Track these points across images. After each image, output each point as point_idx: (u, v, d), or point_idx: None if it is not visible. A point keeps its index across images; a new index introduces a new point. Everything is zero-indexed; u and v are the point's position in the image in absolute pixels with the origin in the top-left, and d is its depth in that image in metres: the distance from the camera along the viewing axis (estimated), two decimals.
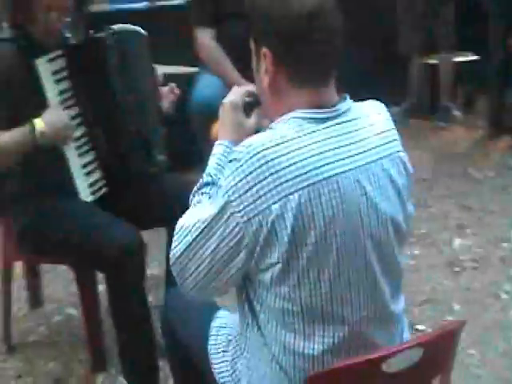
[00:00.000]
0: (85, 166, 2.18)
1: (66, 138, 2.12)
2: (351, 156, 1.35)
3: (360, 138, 1.38)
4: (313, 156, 1.31)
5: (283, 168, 1.30)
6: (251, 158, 1.31)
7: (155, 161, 2.30)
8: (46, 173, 2.15)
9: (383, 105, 1.48)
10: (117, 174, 2.23)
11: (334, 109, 1.37)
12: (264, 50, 1.38)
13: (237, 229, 1.32)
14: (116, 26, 2.19)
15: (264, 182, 1.30)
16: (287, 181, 1.30)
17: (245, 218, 1.31)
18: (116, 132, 2.21)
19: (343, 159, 1.34)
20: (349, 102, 1.41)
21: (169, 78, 2.46)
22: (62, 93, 2.12)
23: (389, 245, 1.40)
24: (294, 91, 1.38)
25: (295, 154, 1.31)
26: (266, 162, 1.30)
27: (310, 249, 1.32)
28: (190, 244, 1.38)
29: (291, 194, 1.30)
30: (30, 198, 2.18)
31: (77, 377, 2.33)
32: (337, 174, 1.32)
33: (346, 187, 1.33)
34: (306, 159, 1.31)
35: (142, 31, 2.25)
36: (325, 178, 1.31)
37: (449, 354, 1.46)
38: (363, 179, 1.35)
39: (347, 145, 1.35)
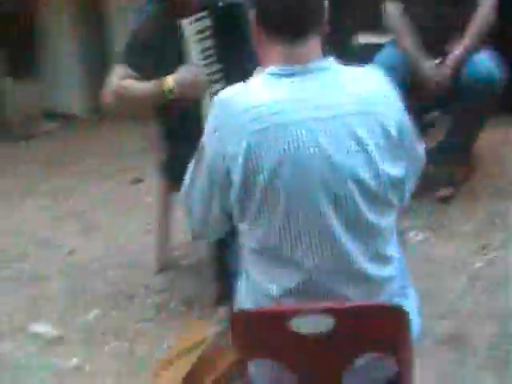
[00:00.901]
0: None
1: (196, 94, 2.34)
2: (309, 108, 1.44)
3: (325, 94, 1.47)
4: (268, 104, 1.43)
5: (239, 113, 1.44)
6: (216, 105, 1.50)
7: None
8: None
9: (381, 72, 1.58)
10: None
11: (304, 66, 1.47)
12: (252, 11, 1.53)
13: (208, 170, 1.51)
14: None
15: (224, 126, 1.47)
16: (242, 125, 1.43)
17: (211, 160, 1.49)
18: None
19: (299, 110, 1.44)
20: (328, 63, 1.50)
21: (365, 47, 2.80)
22: (203, 51, 2.35)
23: (349, 199, 1.46)
24: (271, 48, 1.51)
25: (251, 100, 1.44)
26: (226, 108, 1.47)
27: (260, 191, 1.44)
28: (186, 184, 1.61)
29: (243, 137, 1.43)
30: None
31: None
32: (289, 122, 1.43)
33: (297, 135, 1.43)
34: (260, 106, 1.43)
35: None
36: (276, 125, 1.42)
37: (379, 335, 1.43)
38: (318, 131, 1.43)
39: (308, 98, 1.45)
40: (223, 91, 1.54)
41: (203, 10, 2.39)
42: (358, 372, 1.50)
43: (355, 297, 1.52)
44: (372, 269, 1.53)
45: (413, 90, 3.03)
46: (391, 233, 1.59)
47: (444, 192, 3.23)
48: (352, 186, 1.46)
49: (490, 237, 2.99)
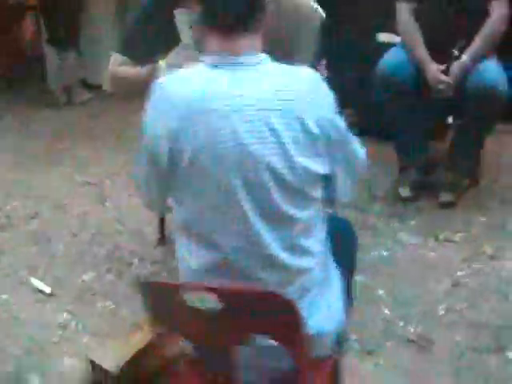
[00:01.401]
0: None
1: None
2: (232, 99, 1.53)
3: (250, 87, 1.55)
4: (197, 91, 1.54)
5: (171, 98, 1.57)
6: (156, 88, 1.62)
7: None
8: None
9: (312, 71, 1.64)
10: None
11: (236, 58, 1.57)
12: None
13: (145, 147, 1.64)
14: None
15: (158, 108, 1.59)
16: (172, 109, 1.55)
17: (147, 138, 1.62)
18: None
19: (223, 100, 1.53)
20: (260, 59, 1.59)
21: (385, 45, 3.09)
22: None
23: (263, 188, 1.55)
24: (209, 36, 1.60)
25: (183, 87, 1.57)
26: (162, 92, 1.59)
27: (183, 173, 1.57)
28: (134, 159, 1.74)
29: (172, 120, 1.55)
30: None
31: None
32: (212, 110, 1.53)
33: (216, 123, 1.53)
34: (189, 93, 1.55)
35: None
36: (200, 111, 1.53)
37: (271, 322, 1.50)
38: (236, 120, 1.53)
39: (233, 90, 1.54)
40: (164, 78, 1.66)
41: None
42: (256, 360, 1.62)
43: (271, 282, 1.61)
44: (287, 258, 1.62)
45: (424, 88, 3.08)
46: (314, 226, 1.67)
47: (445, 198, 3.26)
48: (266, 175, 1.55)
49: (483, 247, 3.01)
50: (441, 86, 3.03)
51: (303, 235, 1.64)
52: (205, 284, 1.53)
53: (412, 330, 2.61)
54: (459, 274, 2.88)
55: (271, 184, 1.56)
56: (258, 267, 1.63)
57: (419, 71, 3.07)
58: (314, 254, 1.68)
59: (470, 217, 3.22)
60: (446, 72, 3.03)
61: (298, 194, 1.60)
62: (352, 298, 2.06)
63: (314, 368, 1.67)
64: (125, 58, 2.51)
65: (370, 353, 2.52)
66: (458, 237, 3.10)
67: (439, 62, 3.05)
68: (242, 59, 1.58)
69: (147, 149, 1.64)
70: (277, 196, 1.57)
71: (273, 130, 1.54)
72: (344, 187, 1.75)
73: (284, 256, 1.62)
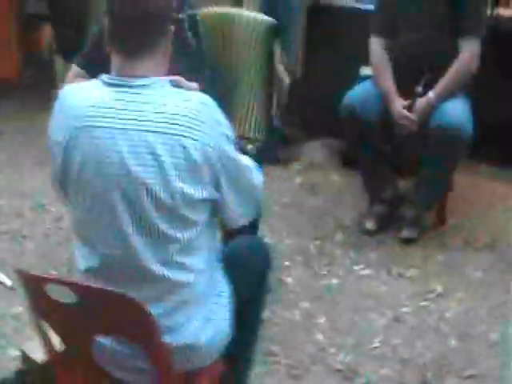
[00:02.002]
0: None
1: None
2: (117, 118, 1.61)
3: (136, 108, 1.61)
4: (84, 106, 1.63)
5: (69, 109, 1.67)
6: (58, 98, 1.73)
7: None
8: None
9: (208, 99, 1.68)
10: None
11: (130, 81, 1.63)
12: None
13: (50, 150, 1.74)
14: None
15: (58, 117, 1.71)
16: (68, 120, 1.65)
17: (50, 144, 1.74)
18: None
19: (111, 118, 1.61)
20: (153, 82, 1.64)
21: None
22: None
23: (141, 206, 1.63)
24: (112, 56, 1.69)
25: (79, 100, 1.66)
26: (63, 102, 1.70)
27: (72, 180, 1.67)
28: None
29: (67, 131, 1.65)
30: None
31: None
32: (99, 126, 1.61)
33: (102, 140, 1.61)
34: (83, 107, 1.64)
35: None
36: (89, 126, 1.62)
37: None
38: (121, 140, 1.60)
39: (121, 109, 1.61)
40: (67, 87, 1.76)
41: None
42: (117, 357, 1.67)
43: (144, 292, 1.67)
44: (162, 272, 1.68)
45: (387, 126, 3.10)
46: (196, 245, 1.72)
47: (407, 233, 3.25)
48: (144, 195, 1.62)
49: (436, 286, 2.99)
50: (403, 122, 3.03)
51: (182, 253, 1.70)
52: (63, 278, 1.59)
53: (341, 358, 2.61)
54: (403, 309, 2.86)
55: (149, 204, 1.63)
56: (132, 276, 1.70)
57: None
58: (194, 270, 1.73)
59: (429, 254, 3.19)
60: (410, 108, 3.03)
61: (176, 216, 1.66)
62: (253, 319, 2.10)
63: (185, 377, 1.71)
64: (82, 71, 2.56)
65: (294, 376, 2.53)
66: (411, 272, 3.08)
67: (406, 98, 3.06)
68: (134, 82, 1.64)
69: (51, 152, 1.73)
70: (154, 215, 1.64)
71: (154, 154, 1.60)
72: (234, 214, 1.80)
73: (159, 270, 1.69)
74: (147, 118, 1.61)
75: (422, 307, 2.87)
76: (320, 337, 2.72)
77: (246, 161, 1.79)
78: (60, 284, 1.56)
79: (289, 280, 3.07)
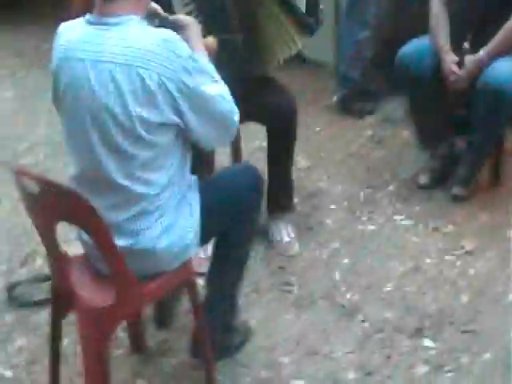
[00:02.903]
0: None
1: None
2: (90, 51, 1.89)
3: (105, 42, 1.88)
4: (67, 40, 1.94)
5: (58, 42, 2.01)
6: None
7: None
8: None
9: (172, 37, 1.91)
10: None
11: (103, 18, 1.90)
12: None
13: None
14: None
15: (53, 49, 2.02)
16: (56, 51, 1.98)
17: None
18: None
19: (83, 51, 1.90)
20: (126, 20, 1.89)
21: None
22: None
23: (106, 127, 1.90)
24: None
25: (65, 35, 1.98)
26: (57, 36, 2.03)
27: (60, 102, 1.99)
28: None
29: (54, 61, 1.98)
30: None
31: None
32: (74, 58, 1.92)
33: (77, 70, 1.91)
34: (66, 40, 1.96)
35: None
36: (67, 57, 1.93)
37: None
38: (90, 70, 1.88)
39: (93, 43, 1.90)
40: (63, 24, 2.04)
41: None
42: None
43: (110, 199, 1.98)
44: (124, 184, 1.95)
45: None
46: (159, 163, 1.96)
47: (457, 190, 3.24)
48: (107, 116, 1.89)
49: (468, 244, 2.99)
50: (452, 78, 3.02)
51: (143, 169, 1.96)
52: (28, 171, 1.93)
53: (348, 297, 2.74)
54: (426, 261, 2.91)
55: (111, 125, 1.90)
56: (100, 186, 1.98)
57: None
58: (155, 185, 1.98)
59: (472, 213, 3.17)
60: (460, 64, 3.01)
61: (135, 137, 1.91)
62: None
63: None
64: None
65: (299, 306, 2.70)
66: (448, 228, 3.09)
67: (458, 54, 3.04)
68: (109, 20, 1.90)
69: None
70: (116, 135, 1.91)
71: (115, 82, 1.86)
72: (204, 138, 2.02)
73: (121, 181, 1.95)
74: (112, 51, 1.87)
75: (446, 261, 2.90)
76: (337, 276, 2.86)
77: (213, 90, 1.98)
78: (29, 177, 1.87)
79: (328, 221, 3.20)
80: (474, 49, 3.02)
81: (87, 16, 1.95)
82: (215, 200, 2.18)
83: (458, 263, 2.89)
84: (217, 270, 2.33)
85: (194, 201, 2.11)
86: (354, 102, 4.01)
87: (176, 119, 1.93)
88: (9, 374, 2.46)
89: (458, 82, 3.02)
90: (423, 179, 3.36)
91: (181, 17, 2.20)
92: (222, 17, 2.71)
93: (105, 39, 1.89)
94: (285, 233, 3.07)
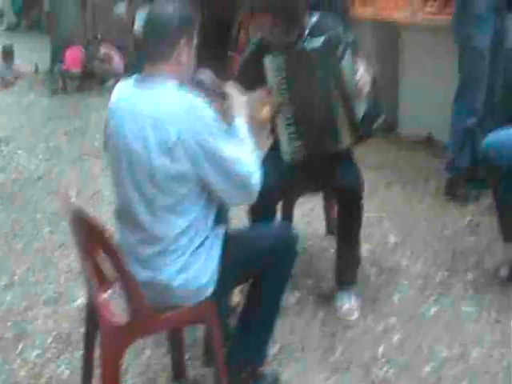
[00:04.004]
0: (289, 134, 3.02)
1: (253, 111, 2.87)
2: (129, 105, 2.24)
3: (143, 100, 2.22)
4: (116, 95, 2.34)
5: (111, 99, 2.37)
6: None
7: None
8: None
9: (197, 103, 2.22)
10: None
11: (145, 78, 2.25)
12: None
13: None
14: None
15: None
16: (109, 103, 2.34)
17: None
18: (311, 116, 3.00)
19: (125, 108, 2.26)
20: (162, 83, 2.22)
21: None
22: (277, 81, 2.95)
23: (135, 171, 2.23)
24: None
25: (115, 93, 2.35)
26: (112, 94, 2.40)
27: (107, 150, 2.36)
28: None
29: (108, 111, 2.34)
30: None
31: None
32: (117, 110, 2.28)
33: (118, 121, 2.28)
34: (115, 95, 2.33)
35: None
36: (113, 109, 2.29)
37: None
38: (126, 121, 2.24)
39: (134, 102, 2.24)
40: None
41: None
42: None
43: (138, 234, 2.31)
44: (148, 222, 2.27)
45: None
46: (181, 209, 2.24)
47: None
48: (136, 163, 2.23)
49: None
50: None
51: (166, 212, 2.24)
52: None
53: (385, 370, 2.79)
54: (475, 350, 2.87)
55: (140, 170, 2.23)
56: (132, 222, 2.31)
57: None
58: (177, 228, 2.26)
59: None
60: None
61: (157, 183, 2.21)
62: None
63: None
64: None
65: (334, 370, 2.81)
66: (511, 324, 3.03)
67: None
68: (149, 83, 2.25)
69: None
70: (143, 179, 2.23)
71: (145, 134, 2.19)
72: (227, 193, 2.28)
73: (147, 221, 2.26)
74: (147, 108, 2.21)
75: (495, 354, 2.84)
76: (381, 349, 2.92)
77: (232, 153, 2.24)
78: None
79: (396, 296, 3.27)
80: None
81: (136, 76, 2.31)
82: (242, 250, 2.41)
83: (506, 358, 2.83)
84: (245, 315, 2.55)
85: (215, 248, 2.35)
86: (460, 187, 4.03)
87: (195, 172, 2.21)
88: None
89: None
90: (503, 271, 3.32)
91: (228, 88, 2.50)
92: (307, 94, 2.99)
93: (143, 97, 2.24)
94: (347, 300, 3.19)
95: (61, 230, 4.05)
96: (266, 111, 2.65)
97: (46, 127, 6.33)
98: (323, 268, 3.46)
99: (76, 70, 7.78)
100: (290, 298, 3.26)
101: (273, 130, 3.20)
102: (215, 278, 2.34)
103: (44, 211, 4.44)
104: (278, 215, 3.34)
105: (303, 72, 2.96)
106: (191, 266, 2.29)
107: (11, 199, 4.75)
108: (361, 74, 2.89)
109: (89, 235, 2.28)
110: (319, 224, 3.32)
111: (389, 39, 5.19)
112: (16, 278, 3.62)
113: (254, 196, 2.34)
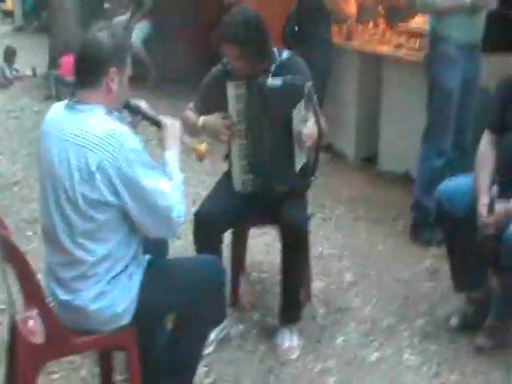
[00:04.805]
0: (242, 165, 3.04)
1: (217, 137, 3.01)
2: (57, 130, 2.23)
3: (69, 124, 2.22)
4: (48, 118, 2.32)
5: (45, 117, 2.34)
6: None
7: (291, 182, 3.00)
8: None
9: (120, 131, 2.17)
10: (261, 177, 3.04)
11: (74, 103, 2.24)
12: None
13: None
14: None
15: None
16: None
17: None
18: (264, 150, 3.01)
19: (53, 128, 2.25)
20: (91, 108, 2.21)
21: None
22: (237, 110, 2.98)
23: (58, 194, 2.20)
24: None
25: (49, 113, 2.33)
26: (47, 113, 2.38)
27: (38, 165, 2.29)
28: None
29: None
30: None
31: None
32: (47, 132, 2.26)
33: (47, 143, 2.26)
34: (47, 118, 2.31)
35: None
36: (43, 131, 2.29)
37: None
38: (54, 145, 2.22)
39: (61, 124, 2.23)
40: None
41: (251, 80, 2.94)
42: None
43: (59, 256, 2.28)
44: (70, 247, 2.23)
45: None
46: (101, 238, 2.22)
47: (481, 341, 3.06)
48: (60, 185, 2.22)
49: None
50: (480, 222, 2.90)
51: (84, 237, 2.22)
52: None
53: None
54: None
55: (62, 193, 2.20)
56: (54, 243, 2.28)
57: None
58: (94, 255, 2.23)
59: (486, 371, 2.96)
60: (491, 208, 2.88)
61: (77, 208, 2.20)
62: None
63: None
64: (194, 108, 3.20)
65: None
66: (451, 379, 2.92)
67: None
68: (79, 106, 2.23)
69: None
70: (64, 203, 2.21)
71: (68, 157, 2.18)
72: (146, 224, 2.25)
73: (67, 243, 2.23)
74: (72, 132, 2.20)
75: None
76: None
77: (155, 184, 2.20)
78: None
79: (339, 339, 3.19)
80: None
81: (66, 100, 2.28)
82: (163, 280, 2.36)
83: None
84: (170, 347, 2.49)
85: (135, 277, 2.31)
86: (424, 230, 3.95)
87: (114, 200, 2.17)
88: None
89: (486, 227, 2.90)
90: (454, 321, 3.23)
91: (162, 117, 2.45)
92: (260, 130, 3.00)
93: (70, 121, 2.21)
94: (288, 338, 3.11)
95: (27, 238, 4.04)
96: (204, 146, 2.61)
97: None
98: (272, 301, 3.38)
99: (70, 77, 7.75)
100: (232, 330, 3.20)
101: (227, 156, 3.18)
102: (134, 306, 2.30)
103: (13, 217, 4.39)
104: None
105: (259, 107, 2.96)
106: (108, 294, 2.26)
107: None
108: (309, 126, 2.88)
109: (5, 253, 2.25)
110: (279, 255, 3.25)
111: (371, 72, 5.14)
112: None
113: (176, 230, 2.31)
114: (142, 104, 2.47)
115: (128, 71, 2.29)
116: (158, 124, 2.42)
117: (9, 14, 14.12)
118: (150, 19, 8.16)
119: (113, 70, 2.22)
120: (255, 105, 2.96)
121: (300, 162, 2.96)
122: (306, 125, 2.88)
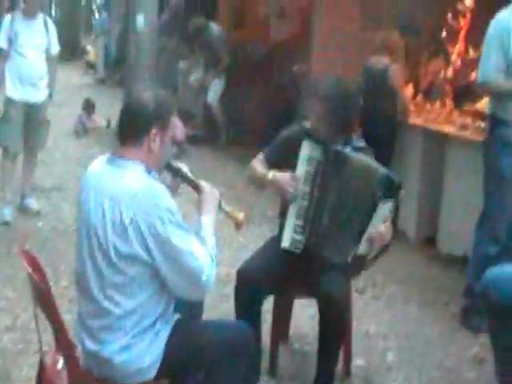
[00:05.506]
0: (295, 225, 3.03)
1: (282, 194, 3.03)
2: (97, 182, 2.29)
3: (108, 179, 2.28)
4: (90, 170, 2.35)
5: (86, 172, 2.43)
6: None
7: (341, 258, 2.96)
8: None
9: (155, 190, 2.23)
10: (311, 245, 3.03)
11: (115, 158, 2.30)
12: None
13: None
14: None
15: None
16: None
17: None
18: (324, 217, 2.98)
19: (94, 180, 2.32)
20: (128, 164, 2.25)
21: None
22: (306, 171, 2.99)
23: (91, 243, 2.24)
24: None
25: (90, 168, 2.38)
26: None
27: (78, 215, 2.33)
28: None
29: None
30: None
31: None
32: (87, 185, 2.32)
33: (86, 194, 2.30)
34: (88, 171, 2.38)
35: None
36: (84, 184, 2.35)
37: None
38: (92, 197, 2.27)
39: (101, 177, 2.31)
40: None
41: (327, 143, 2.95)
42: None
43: (89, 305, 2.33)
44: (98, 295, 2.28)
45: None
46: (128, 289, 2.24)
47: None
48: (94, 235, 2.28)
49: None
50: None
51: (113, 289, 2.26)
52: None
53: None
54: None
55: (95, 243, 2.27)
56: (85, 292, 2.33)
57: None
58: (122, 307, 2.25)
59: None
60: None
61: (110, 260, 2.24)
62: None
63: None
64: (264, 159, 3.20)
65: None
66: None
67: None
68: (119, 162, 2.29)
69: None
70: (97, 253, 2.27)
71: (103, 210, 2.25)
72: (175, 283, 2.27)
73: (96, 294, 2.27)
74: (110, 186, 2.25)
75: None
76: None
77: (186, 246, 2.22)
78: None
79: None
80: None
81: (109, 154, 2.35)
82: (190, 340, 2.37)
83: None
84: None
85: (163, 333, 2.33)
86: (475, 316, 3.80)
87: (145, 256, 2.21)
88: None
89: None
90: None
91: (202, 183, 2.49)
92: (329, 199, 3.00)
93: (109, 175, 2.28)
94: None
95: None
96: (242, 215, 2.60)
97: None
98: (312, 374, 3.29)
99: None
100: None
101: (282, 214, 3.16)
102: (159, 362, 2.31)
103: (68, 264, 4.47)
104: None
105: (332, 174, 2.95)
106: (134, 347, 2.28)
107: (41, 246, 4.85)
108: (386, 226, 2.88)
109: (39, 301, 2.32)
110: None
111: (435, 151, 5.08)
112: (19, 321, 3.72)
113: (204, 293, 2.33)
114: (183, 166, 2.51)
115: (170, 133, 2.34)
116: (197, 188, 2.45)
117: (92, 65, 14.65)
118: (223, 78, 8.16)
119: (154, 130, 2.29)
120: (327, 171, 2.95)
121: (359, 251, 2.92)
122: (383, 224, 2.87)
